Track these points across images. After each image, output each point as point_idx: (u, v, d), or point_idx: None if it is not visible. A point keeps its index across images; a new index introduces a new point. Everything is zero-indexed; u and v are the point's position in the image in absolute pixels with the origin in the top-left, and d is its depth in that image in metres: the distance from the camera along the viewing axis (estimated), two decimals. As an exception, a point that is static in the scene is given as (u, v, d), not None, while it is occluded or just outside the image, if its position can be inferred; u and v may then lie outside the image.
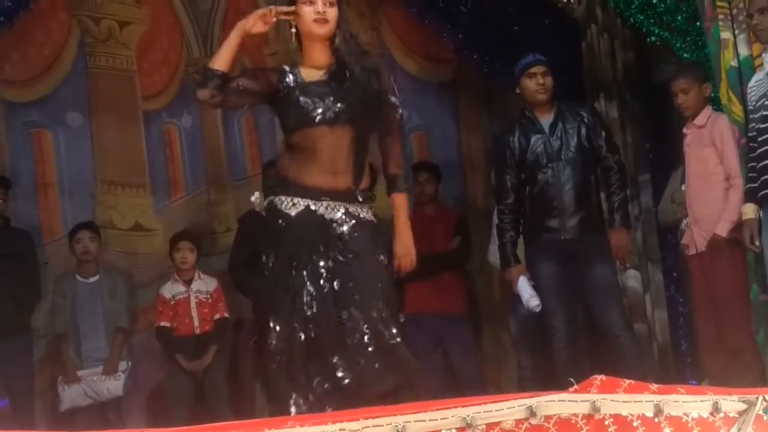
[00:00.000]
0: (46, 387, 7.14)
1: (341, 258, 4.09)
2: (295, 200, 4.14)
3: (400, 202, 4.29)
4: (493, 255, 7.10)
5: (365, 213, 4.20)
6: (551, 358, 6.90)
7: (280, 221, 4.16)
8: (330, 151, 4.14)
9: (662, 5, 6.41)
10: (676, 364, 6.82)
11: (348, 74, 4.17)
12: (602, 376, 3.25)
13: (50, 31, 7.66)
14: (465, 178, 8.16)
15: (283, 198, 4.16)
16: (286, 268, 4.12)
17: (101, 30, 7.79)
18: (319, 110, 4.13)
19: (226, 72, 4.23)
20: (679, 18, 6.31)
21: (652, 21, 6.46)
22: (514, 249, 5.95)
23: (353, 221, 4.15)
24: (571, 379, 3.29)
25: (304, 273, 4.07)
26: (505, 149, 5.97)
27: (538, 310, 5.81)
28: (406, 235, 4.27)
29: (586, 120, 5.95)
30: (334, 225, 4.13)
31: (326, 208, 4.14)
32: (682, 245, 6.00)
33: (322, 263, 4.09)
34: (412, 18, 7.72)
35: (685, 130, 5.84)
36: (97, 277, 7.15)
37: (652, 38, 6.54)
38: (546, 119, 5.94)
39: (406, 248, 4.27)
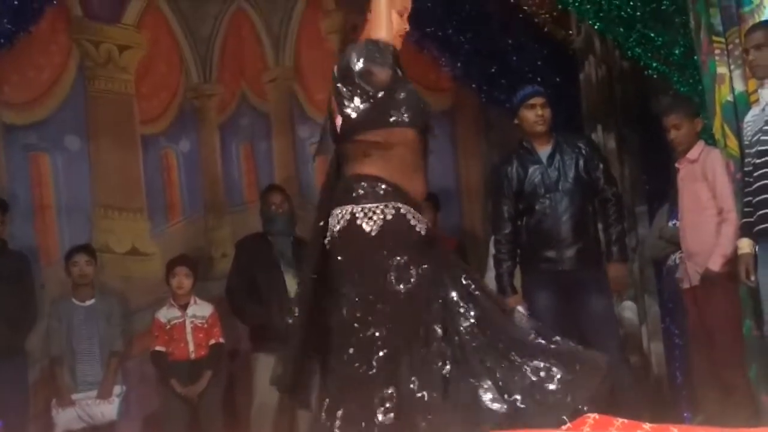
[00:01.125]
0: (41, 410, 7.19)
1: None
2: (400, 206, 3.97)
3: None
4: (490, 284, 7.22)
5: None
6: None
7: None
8: (421, 156, 4.12)
9: (660, 39, 6.51)
10: (672, 396, 6.88)
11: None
12: (595, 415, 3.30)
13: (50, 54, 7.76)
14: (463, 207, 8.26)
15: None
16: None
17: (101, 54, 7.89)
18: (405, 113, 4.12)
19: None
20: (677, 52, 6.42)
21: (649, 54, 6.56)
22: (511, 279, 6.03)
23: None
24: (564, 417, 3.34)
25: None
26: (503, 179, 6.07)
27: None
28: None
29: (583, 151, 6.05)
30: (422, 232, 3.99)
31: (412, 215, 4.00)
32: (676, 279, 6.10)
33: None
34: (410, 46, 7.81)
35: (677, 165, 5.94)
36: (93, 300, 7.21)
37: (650, 71, 6.64)
38: (544, 150, 6.03)
39: None
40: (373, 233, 3.85)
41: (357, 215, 3.88)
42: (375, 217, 3.87)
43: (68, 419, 6.99)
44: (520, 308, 5.81)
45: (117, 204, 7.83)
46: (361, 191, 3.92)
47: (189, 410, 6.94)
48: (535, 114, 6.00)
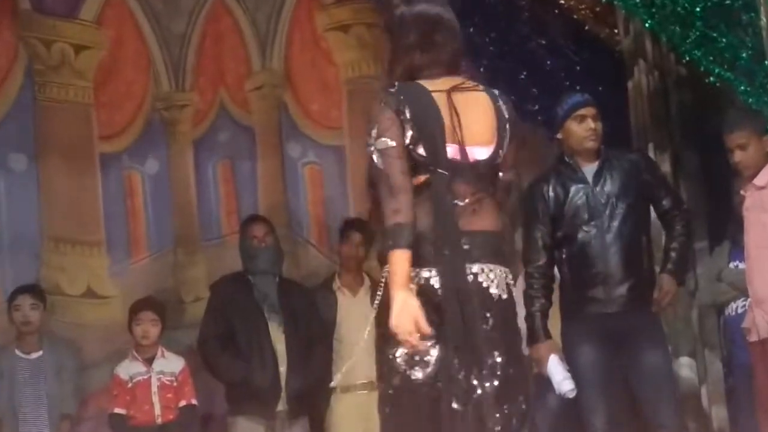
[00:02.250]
0: (-23, 482, 7.14)
1: None
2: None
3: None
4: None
5: None
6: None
7: None
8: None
9: (723, 40, 6.44)
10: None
11: None
12: None
13: (-8, 55, 7.73)
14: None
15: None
16: None
17: (53, 55, 7.89)
18: None
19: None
20: (744, 55, 6.34)
21: (711, 58, 6.50)
22: (545, 321, 5.82)
23: None
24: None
25: None
26: (537, 201, 5.89)
27: (572, 395, 5.72)
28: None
29: (638, 165, 5.93)
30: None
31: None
32: (742, 329, 6.02)
33: None
34: (424, 48, 7.78)
35: (742, 192, 5.86)
36: (40, 352, 7.16)
37: (711, 79, 6.58)
38: (590, 167, 5.88)
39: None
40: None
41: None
42: None
43: (9, 491, 6.97)
44: (554, 357, 5.74)
45: (70, 236, 7.83)
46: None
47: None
48: (586, 127, 5.86)
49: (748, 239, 5.81)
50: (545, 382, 6.82)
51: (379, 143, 3.92)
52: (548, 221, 5.85)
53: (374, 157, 3.94)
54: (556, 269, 5.94)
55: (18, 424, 7.08)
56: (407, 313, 3.86)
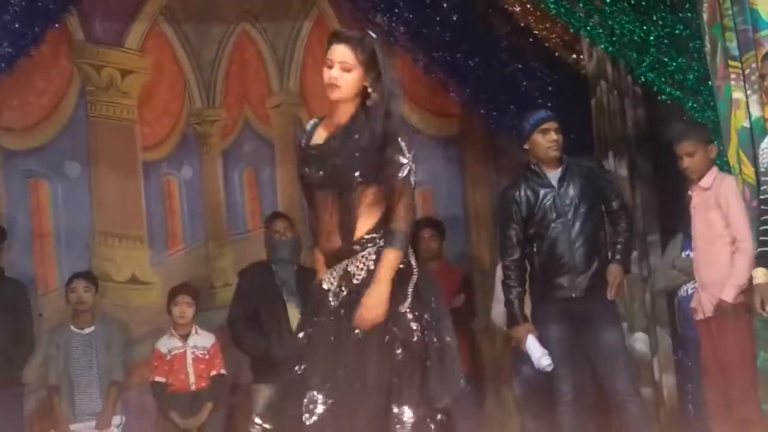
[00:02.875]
0: (37, 443, 7.16)
1: (335, 331, 4.23)
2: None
3: (388, 257, 4.13)
4: (498, 315, 7.16)
5: (362, 269, 4.21)
6: (556, 422, 6.96)
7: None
8: (323, 212, 4.28)
9: (673, 64, 6.46)
10: (685, 431, 6.82)
11: (349, 137, 4.26)
12: None
13: (51, 78, 7.76)
14: (470, 235, 8.22)
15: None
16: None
17: (102, 78, 7.89)
18: (311, 173, 4.30)
19: None
20: (691, 77, 6.37)
21: (662, 80, 6.51)
22: (522, 306, 5.93)
23: (346, 289, 4.23)
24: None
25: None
26: (510, 204, 5.97)
27: (549, 369, 5.79)
28: (381, 291, 4.12)
29: (594, 171, 6.03)
30: (330, 294, 4.27)
31: (329, 275, 4.29)
32: (689, 309, 6.03)
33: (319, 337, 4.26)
34: (418, 71, 7.80)
35: (690, 193, 5.88)
36: (92, 328, 7.18)
37: (663, 97, 6.59)
38: (554, 173, 5.96)
39: (373, 303, 4.13)
40: None
41: None
42: None
43: (66, 451, 6.94)
44: (532, 337, 5.77)
45: (117, 231, 7.83)
46: None
47: (191, 439, 6.92)
48: (549, 139, 5.94)
49: (695, 232, 5.84)
50: (521, 357, 6.89)
51: (412, 165, 4.26)
52: (521, 221, 5.93)
53: (407, 171, 4.25)
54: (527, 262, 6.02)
55: (72, 391, 7.05)
56: (385, 303, 4.06)
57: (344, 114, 4.31)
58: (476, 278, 7.65)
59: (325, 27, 8.18)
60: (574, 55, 7.41)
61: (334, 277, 4.26)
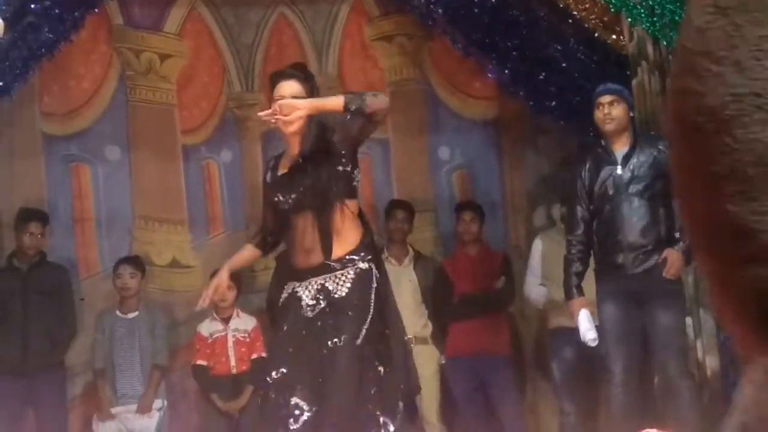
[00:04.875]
0: (80, 426, 7.39)
1: (304, 348, 4.65)
2: (289, 285, 4.80)
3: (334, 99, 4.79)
4: (532, 289, 7.29)
5: (341, 286, 4.66)
6: (596, 403, 7.09)
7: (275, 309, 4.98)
8: (300, 233, 4.73)
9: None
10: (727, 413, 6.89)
11: (304, 164, 4.73)
12: (654, 430, 3.33)
13: (90, 63, 7.93)
14: (507, 219, 8.33)
15: (287, 284, 4.87)
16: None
17: (141, 63, 8.03)
18: (281, 201, 4.78)
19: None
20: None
21: (707, 60, 6.59)
22: (579, 281, 6.04)
23: (324, 302, 4.64)
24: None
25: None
26: (576, 179, 6.11)
27: (593, 344, 5.90)
28: (308, 103, 4.70)
29: (663, 153, 6.00)
30: (307, 310, 4.68)
31: (305, 289, 4.71)
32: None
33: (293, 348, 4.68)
34: (457, 54, 7.93)
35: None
36: (136, 313, 7.34)
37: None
38: (621, 150, 6.03)
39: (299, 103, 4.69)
40: None
41: None
42: None
43: (109, 432, 7.14)
44: (584, 311, 5.88)
45: (157, 215, 7.95)
46: None
47: (230, 426, 7.07)
48: (602, 113, 6.04)
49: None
50: (562, 337, 7.02)
51: None
52: (585, 196, 6.03)
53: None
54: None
55: (115, 374, 7.24)
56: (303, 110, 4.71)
57: (296, 143, 4.79)
58: (515, 262, 7.74)
59: (362, 11, 8.34)
60: (615, 36, 7.47)
61: (310, 291, 4.67)
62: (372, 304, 4.68)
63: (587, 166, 6.08)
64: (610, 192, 5.96)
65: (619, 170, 5.98)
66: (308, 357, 4.62)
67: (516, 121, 8.30)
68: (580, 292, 6.02)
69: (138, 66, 8.04)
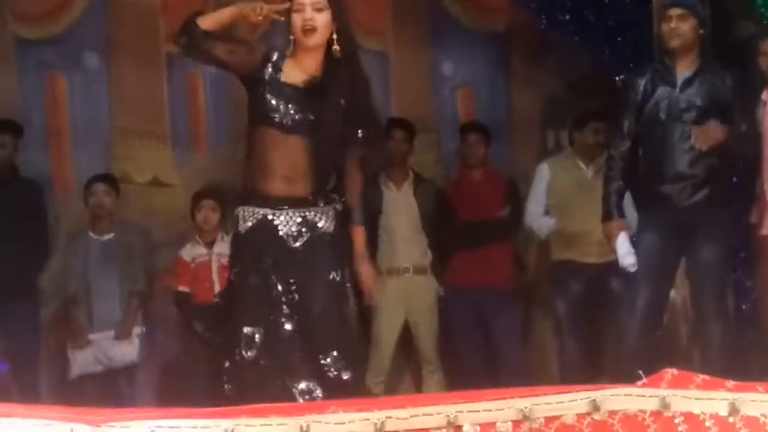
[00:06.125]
0: (53, 352, 7.27)
1: (295, 277, 4.47)
2: (255, 210, 4.51)
3: (357, 234, 4.66)
4: (535, 218, 7.13)
5: (325, 220, 4.51)
6: (601, 341, 7.00)
7: (238, 236, 4.62)
8: (284, 158, 4.46)
9: (744, -43, 6.38)
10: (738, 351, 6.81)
11: (327, 91, 4.47)
12: (674, 370, 3.27)
13: (68, -40, 7.67)
14: (514, 141, 8.20)
15: (243, 209, 4.56)
16: (248, 282, 4.54)
17: (123, -40, 7.76)
18: (280, 114, 4.46)
19: (206, 31, 4.52)
20: (762, -28, 6.29)
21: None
22: (620, 201, 5.87)
23: (308, 234, 4.48)
24: (640, 372, 3.30)
25: (275, 287, 4.47)
26: (630, 90, 5.88)
27: (632, 270, 5.76)
28: (366, 267, 4.70)
29: (727, 82, 5.81)
30: (289, 240, 4.47)
31: (284, 219, 4.47)
32: (750, 224, 5.99)
33: (279, 278, 4.47)
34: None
35: (764, 97, 5.78)
36: (111, 234, 7.19)
37: (733, -7, 6.51)
38: (683, 72, 5.79)
39: (366, 279, 4.69)
40: None
41: None
42: None
43: (85, 361, 7.05)
44: (623, 234, 5.72)
45: (137, 129, 7.76)
46: None
47: (212, 355, 6.94)
48: (668, 26, 5.77)
49: (765, 140, 5.74)
50: (567, 271, 6.91)
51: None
52: (635, 111, 5.82)
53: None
54: None
55: (91, 300, 7.10)
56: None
57: (313, 62, 4.50)
58: (522, 187, 7.57)
59: None
60: (636, -54, 7.29)
61: (288, 221, 4.46)
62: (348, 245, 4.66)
63: (644, 79, 5.82)
64: (662, 115, 5.74)
65: (677, 93, 5.75)
66: (312, 294, 4.45)
67: (526, 36, 8.12)
68: (621, 213, 5.84)
69: (120, -37, 7.80)
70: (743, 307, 6.85)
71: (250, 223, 4.53)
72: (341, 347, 4.42)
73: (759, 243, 5.92)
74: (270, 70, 4.53)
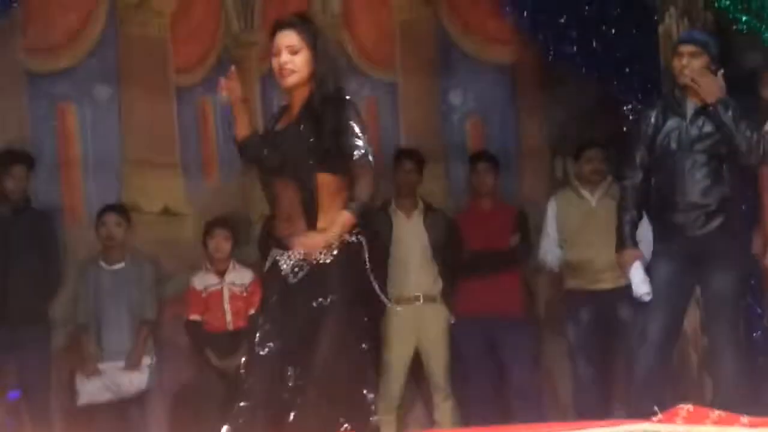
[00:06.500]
0: (64, 380, 7.32)
1: (286, 309, 4.63)
2: (272, 253, 4.72)
3: (342, 217, 4.55)
4: (548, 253, 7.24)
5: (325, 254, 4.58)
6: (613, 368, 7.06)
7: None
8: (283, 199, 4.64)
9: (751, -10, 6.48)
10: (751, 380, 6.86)
11: (300, 131, 4.60)
12: (689, 406, 3.29)
13: (79, -6, 7.77)
14: (522, 171, 8.23)
15: (270, 252, 4.76)
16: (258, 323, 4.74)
17: (133, -6, 7.87)
18: (268, 160, 4.66)
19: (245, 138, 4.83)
20: (768, 5, 6.40)
21: (739, 7, 6.51)
22: (634, 231, 5.89)
23: (306, 269, 4.60)
24: (655, 408, 3.33)
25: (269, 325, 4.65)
26: (641, 123, 5.95)
27: (646, 299, 5.76)
28: (325, 236, 4.56)
29: (735, 111, 5.74)
30: (289, 277, 4.63)
31: (286, 258, 4.64)
32: (754, 254, 6.06)
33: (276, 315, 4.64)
34: (472, -6, 7.84)
35: (767, 127, 5.88)
36: (122, 264, 7.29)
37: (739, 26, 6.58)
38: (693, 103, 5.82)
39: (314, 238, 4.57)
40: None
41: None
42: None
43: (93, 389, 7.12)
44: (637, 263, 5.78)
45: (149, 159, 7.86)
46: None
47: (225, 385, 6.99)
48: (680, 63, 5.82)
49: (767, 169, 5.85)
50: (577, 299, 6.99)
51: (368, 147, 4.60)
52: (647, 144, 5.87)
53: (362, 153, 4.55)
54: None
55: (101, 329, 7.19)
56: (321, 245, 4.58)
57: (299, 101, 4.66)
58: (530, 216, 7.65)
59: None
60: (642, -21, 7.41)
61: (291, 260, 4.61)
62: (358, 276, 4.66)
63: (656, 112, 5.89)
64: (673, 146, 5.79)
65: (687, 124, 5.82)
66: (296, 325, 4.60)
67: (533, 68, 8.16)
68: (634, 243, 5.86)
69: (130, -2, 7.90)
70: (754, 334, 6.93)
71: (267, 265, 4.75)
72: (325, 380, 4.52)
73: (764, 273, 5.99)
74: (269, 124, 4.84)
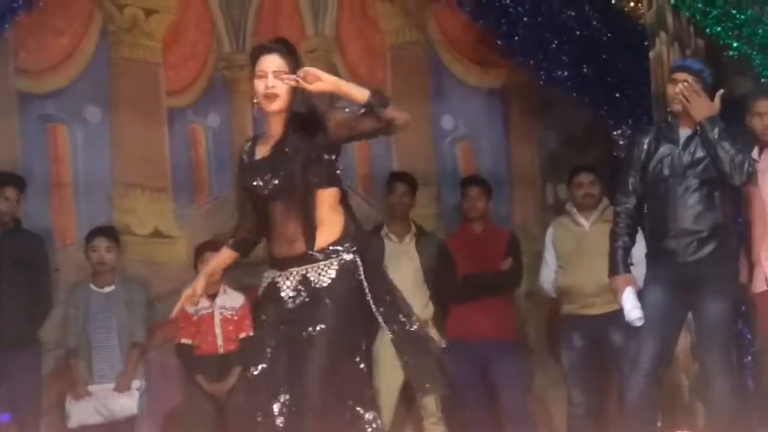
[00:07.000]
0: (54, 403, 7.35)
1: (286, 336, 4.65)
2: (268, 274, 4.76)
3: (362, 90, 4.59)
4: (546, 280, 7.32)
5: (324, 275, 4.63)
6: (607, 395, 7.12)
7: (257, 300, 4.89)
8: (280, 221, 4.66)
9: (742, 16, 6.51)
10: (742, 405, 6.92)
11: (288, 146, 4.63)
12: None
13: (70, 17, 7.85)
14: (514, 195, 8.30)
15: (265, 273, 4.80)
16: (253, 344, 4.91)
17: (125, 18, 7.96)
18: (260, 186, 4.65)
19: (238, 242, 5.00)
20: (760, 32, 6.44)
21: (730, 33, 6.59)
22: (626, 256, 5.94)
23: (305, 293, 4.64)
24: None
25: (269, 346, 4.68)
26: (634, 148, 6.00)
27: (638, 324, 5.80)
28: (338, 81, 4.58)
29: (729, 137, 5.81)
30: (288, 302, 4.66)
31: (284, 279, 4.68)
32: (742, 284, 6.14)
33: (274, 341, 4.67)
34: (464, 18, 7.90)
35: (755, 156, 5.94)
36: (112, 287, 7.32)
37: (730, 52, 6.67)
38: (685, 130, 5.89)
39: (325, 76, 4.56)
40: None
41: None
42: None
43: (83, 412, 7.13)
44: (629, 289, 5.85)
45: (139, 182, 7.95)
46: None
47: (216, 409, 7.03)
48: (673, 90, 5.88)
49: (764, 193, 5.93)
50: (571, 325, 7.05)
51: None
52: (639, 169, 5.93)
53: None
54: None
55: (91, 352, 7.21)
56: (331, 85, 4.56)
57: (278, 124, 4.68)
58: (522, 242, 7.72)
59: (362, -31, 8.26)
60: (633, 3, 7.47)
61: (291, 281, 4.65)
62: (354, 297, 4.66)
63: (649, 137, 5.96)
64: (666, 172, 5.86)
65: (679, 151, 5.88)
66: (288, 351, 4.63)
67: (524, 92, 8.25)
68: (626, 269, 5.92)
69: (121, 21, 7.99)
70: (744, 360, 6.99)
71: (263, 286, 4.78)
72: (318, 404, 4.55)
73: (752, 301, 6.06)
74: (246, 157, 4.79)
